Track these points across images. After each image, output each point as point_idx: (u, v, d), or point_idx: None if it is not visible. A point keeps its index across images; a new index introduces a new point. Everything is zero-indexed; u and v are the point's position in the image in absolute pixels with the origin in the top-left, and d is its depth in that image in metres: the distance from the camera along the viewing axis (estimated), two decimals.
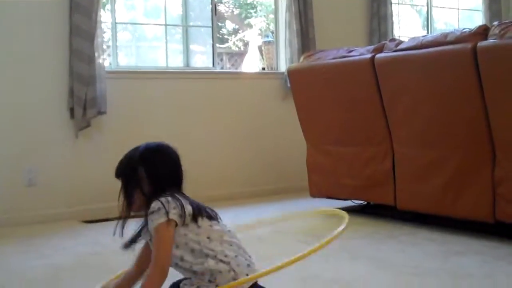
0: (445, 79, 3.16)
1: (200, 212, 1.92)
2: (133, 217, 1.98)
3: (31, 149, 4.00)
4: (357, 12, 5.63)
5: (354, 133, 3.76)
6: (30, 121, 3.99)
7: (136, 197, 1.99)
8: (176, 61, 4.92)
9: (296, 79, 4.07)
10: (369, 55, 3.53)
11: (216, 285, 1.83)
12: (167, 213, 1.84)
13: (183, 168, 2.03)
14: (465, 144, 3.14)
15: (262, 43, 5.47)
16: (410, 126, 3.39)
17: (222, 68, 5.30)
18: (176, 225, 1.86)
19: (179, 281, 2.03)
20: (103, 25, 4.20)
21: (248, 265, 1.89)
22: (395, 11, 6.01)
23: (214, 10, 4.95)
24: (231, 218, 3.89)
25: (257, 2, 6.07)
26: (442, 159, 3.24)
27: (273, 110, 5.00)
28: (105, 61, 4.21)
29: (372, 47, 3.67)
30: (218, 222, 1.96)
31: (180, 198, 1.90)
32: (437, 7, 6.50)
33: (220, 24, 5.94)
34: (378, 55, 3.48)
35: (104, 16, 4.35)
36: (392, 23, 5.75)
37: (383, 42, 3.75)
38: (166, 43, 4.85)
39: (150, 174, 1.98)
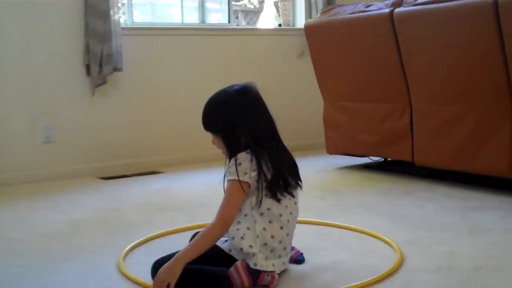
0: (464, 33, 3.10)
1: (273, 188, 1.92)
2: None
3: (48, 107, 4.01)
4: None
5: (371, 89, 3.72)
6: (46, 79, 3.99)
7: (220, 143, 2.00)
8: (191, 18, 4.87)
9: (314, 35, 4.02)
10: (387, 10, 3.47)
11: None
12: (245, 174, 1.88)
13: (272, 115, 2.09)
14: (485, 99, 3.10)
15: None
16: (429, 82, 3.35)
17: (237, 25, 5.24)
18: (249, 186, 1.90)
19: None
20: None
21: (279, 256, 1.93)
22: None
23: None
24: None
25: None
26: (461, 114, 3.20)
27: (289, 67, 4.96)
28: (120, 18, 4.18)
29: (390, 1, 3.59)
30: (289, 198, 1.96)
31: (264, 161, 1.91)
32: None
33: None
34: (397, 10, 3.41)
35: None
36: None
37: None
38: (182, 0, 4.79)
39: (238, 124, 1.97)
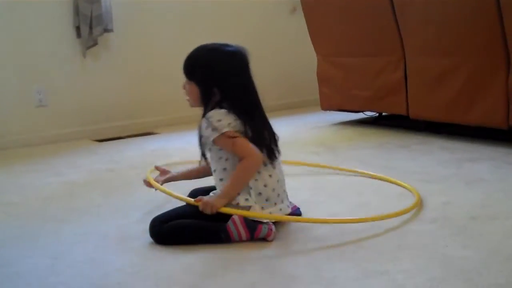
0: None
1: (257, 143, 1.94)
2: None
3: (40, 71, 3.97)
4: None
5: (365, 43, 3.69)
6: (36, 42, 3.94)
7: (192, 92, 2.00)
8: None
9: None
10: None
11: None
12: (228, 124, 1.90)
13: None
14: (479, 50, 3.07)
15: None
16: (423, 34, 3.32)
17: None
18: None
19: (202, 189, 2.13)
20: None
21: (275, 204, 1.95)
22: None
23: None
24: None
25: None
26: (455, 66, 3.18)
27: (282, 23, 4.90)
28: None
29: None
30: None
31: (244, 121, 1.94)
32: None
33: None
34: None
35: None
36: None
37: None
38: None
39: (220, 79, 1.96)
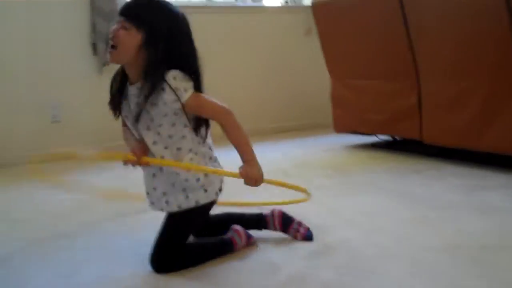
0: (473, 9, 3.06)
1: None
2: None
3: (55, 86, 4.01)
4: None
5: (379, 66, 3.70)
6: (53, 58, 3.99)
7: (130, 42, 1.72)
8: None
9: (321, 13, 3.99)
10: None
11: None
12: (191, 86, 1.75)
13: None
14: (494, 75, 3.06)
15: None
16: (437, 58, 3.32)
17: (243, 1, 5.20)
18: None
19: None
20: None
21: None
22: None
23: None
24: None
25: None
26: (469, 90, 3.18)
27: (296, 45, 4.93)
28: None
29: None
30: None
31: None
32: None
33: None
34: None
35: None
36: None
37: None
38: None
39: (174, 37, 1.75)
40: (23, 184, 3.26)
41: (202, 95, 1.78)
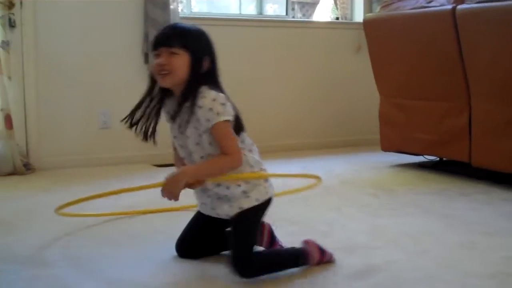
0: None
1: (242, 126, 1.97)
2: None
3: (106, 93, 4.08)
4: None
5: (430, 86, 3.65)
6: (105, 66, 4.06)
7: (179, 65, 1.88)
8: (248, 9, 4.87)
9: (373, 30, 3.97)
10: (450, 6, 3.39)
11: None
12: (230, 112, 1.87)
13: None
14: None
15: None
16: (490, 81, 3.26)
17: (293, 17, 5.22)
18: None
19: None
20: None
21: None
22: None
23: None
24: (300, 168, 3.90)
25: None
26: None
27: (346, 62, 4.91)
28: (178, 7, 4.21)
29: None
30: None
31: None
32: None
33: None
34: (460, 6, 3.33)
35: None
36: None
37: None
38: None
39: (212, 56, 1.95)
40: (71, 187, 3.32)
41: (230, 127, 1.88)
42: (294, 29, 4.78)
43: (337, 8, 5.22)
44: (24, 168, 3.70)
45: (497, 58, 3.19)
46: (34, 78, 3.87)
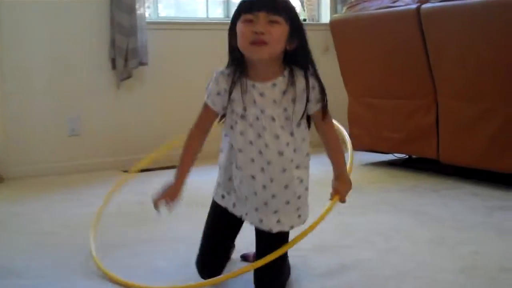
0: (494, 29, 3.06)
1: None
2: None
3: (74, 99, 4.04)
4: None
5: (397, 85, 3.69)
6: (72, 72, 4.02)
7: (278, 37, 1.64)
8: (215, 13, 4.87)
9: (339, 31, 4.00)
10: (414, 5, 3.43)
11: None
12: None
13: None
14: None
15: None
16: (456, 78, 3.31)
17: None
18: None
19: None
20: None
21: None
22: None
23: None
24: None
25: None
26: (489, 112, 3.16)
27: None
28: (145, 12, 4.18)
29: None
30: None
31: None
32: None
33: None
34: (424, 5, 3.38)
35: None
36: None
37: None
38: None
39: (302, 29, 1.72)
40: (43, 196, 3.28)
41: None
42: None
43: (304, 10, 5.24)
44: None
45: (462, 56, 3.24)
46: None
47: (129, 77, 4.12)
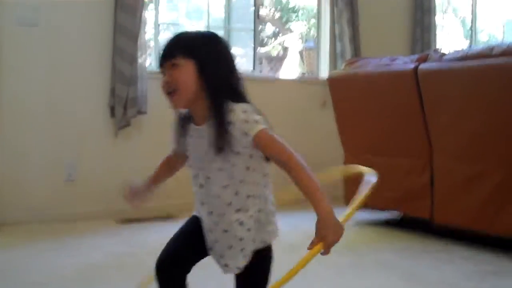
0: (490, 92, 3.10)
1: None
2: None
3: (71, 146, 4.06)
4: (399, 20, 5.58)
5: (393, 143, 3.72)
6: (71, 118, 4.05)
7: (185, 77, 1.57)
8: None
9: (337, 87, 4.04)
10: (412, 65, 3.48)
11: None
12: (266, 121, 1.59)
13: None
14: (508, 159, 3.07)
15: (303, 48, 5.44)
16: (452, 139, 3.33)
17: (260, 71, 5.29)
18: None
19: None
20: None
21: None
22: (438, 20, 5.92)
23: (257, 13, 4.95)
24: None
25: (299, 6, 6.05)
26: (483, 174, 3.17)
27: (311, 117, 4.97)
28: (145, 61, 4.24)
29: (415, 56, 3.61)
30: None
31: None
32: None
33: (260, 26, 5.94)
34: (422, 65, 3.42)
35: (147, 15, 4.37)
36: (435, 33, 5.67)
37: (427, 52, 3.70)
38: None
39: (227, 62, 1.62)
40: (34, 244, 3.26)
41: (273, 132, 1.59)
42: (261, 84, 4.83)
43: (303, 63, 5.32)
44: None
45: (459, 117, 3.27)
46: None
47: (127, 125, 4.15)
